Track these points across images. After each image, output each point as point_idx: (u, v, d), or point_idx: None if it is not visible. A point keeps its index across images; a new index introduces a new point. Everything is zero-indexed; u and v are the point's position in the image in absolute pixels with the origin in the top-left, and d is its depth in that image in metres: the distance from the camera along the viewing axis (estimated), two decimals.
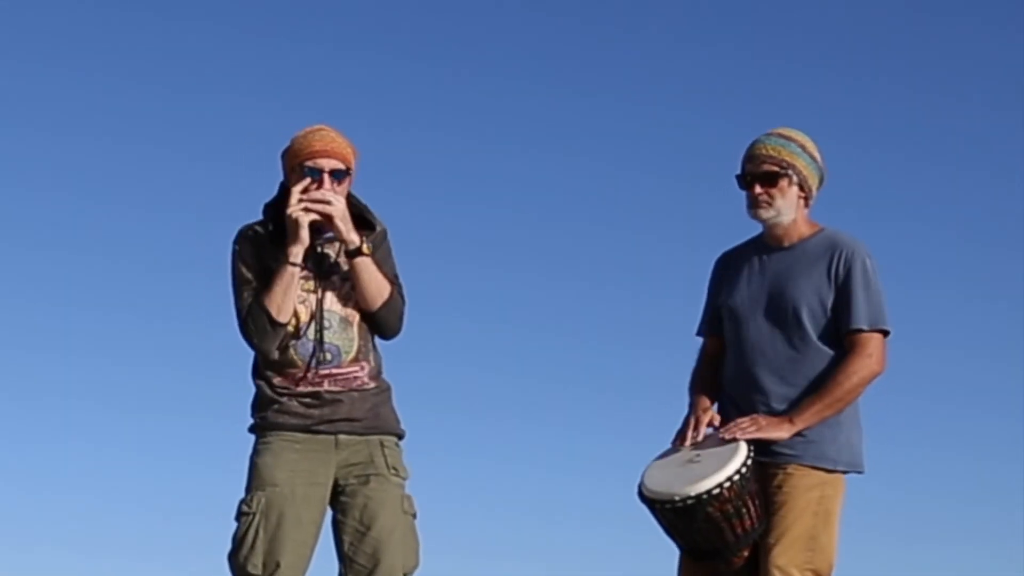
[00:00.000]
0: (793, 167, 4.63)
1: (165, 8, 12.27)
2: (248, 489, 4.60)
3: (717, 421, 4.66)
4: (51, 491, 11.06)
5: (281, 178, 4.69)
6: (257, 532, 4.52)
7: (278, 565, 4.50)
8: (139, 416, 11.33)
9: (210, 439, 10.55)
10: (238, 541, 4.55)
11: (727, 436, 4.53)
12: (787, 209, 4.65)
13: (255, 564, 4.51)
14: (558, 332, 11.93)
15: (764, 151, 4.64)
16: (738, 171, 4.70)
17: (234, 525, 4.60)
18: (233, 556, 4.56)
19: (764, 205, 4.64)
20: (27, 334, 11.67)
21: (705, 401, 4.73)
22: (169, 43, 12.16)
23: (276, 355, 4.60)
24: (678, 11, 12.71)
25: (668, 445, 4.68)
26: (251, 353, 4.69)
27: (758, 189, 4.63)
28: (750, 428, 4.53)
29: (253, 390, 4.69)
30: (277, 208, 4.66)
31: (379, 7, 12.80)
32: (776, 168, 4.63)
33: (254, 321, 4.55)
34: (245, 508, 4.57)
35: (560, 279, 12.13)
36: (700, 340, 4.90)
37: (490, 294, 12.11)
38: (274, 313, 4.52)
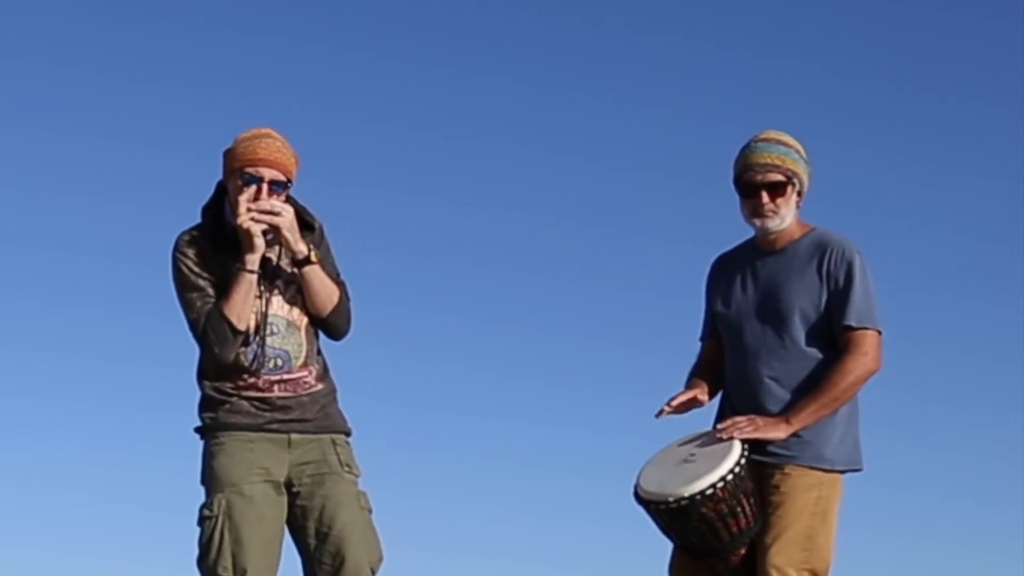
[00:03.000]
0: (797, 176, 4.61)
1: (165, 8, 12.29)
2: (208, 492, 4.57)
3: (704, 398, 4.69)
4: (48, 491, 11.07)
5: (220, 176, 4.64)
6: (223, 534, 4.49)
7: (248, 565, 4.48)
8: (141, 415, 11.34)
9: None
10: (204, 545, 4.52)
11: (724, 436, 4.52)
12: (789, 216, 4.63)
13: (225, 566, 4.49)
14: (558, 332, 11.95)
15: (769, 159, 4.60)
16: (734, 177, 4.65)
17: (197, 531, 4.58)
18: (202, 561, 4.53)
19: (770, 215, 4.60)
20: (27, 334, 11.69)
21: (697, 381, 4.73)
22: (167, 43, 12.19)
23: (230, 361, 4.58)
24: (678, 12, 12.72)
25: (665, 444, 4.69)
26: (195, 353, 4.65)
27: (765, 198, 4.60)
28: (747, 428, 4.51)
29: (199, 392, 4.66)
30: (215, 210, 4.65)
31: (378, 7, 12.81)
32: (783, 178, 4.59)
33: (214, 330, 4.52)
34: (207, 512, 4.54)
35: (560, 279, 12.15)
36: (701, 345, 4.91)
37: (490, 294, 12.13)
38: (235, 321, 4.51)
